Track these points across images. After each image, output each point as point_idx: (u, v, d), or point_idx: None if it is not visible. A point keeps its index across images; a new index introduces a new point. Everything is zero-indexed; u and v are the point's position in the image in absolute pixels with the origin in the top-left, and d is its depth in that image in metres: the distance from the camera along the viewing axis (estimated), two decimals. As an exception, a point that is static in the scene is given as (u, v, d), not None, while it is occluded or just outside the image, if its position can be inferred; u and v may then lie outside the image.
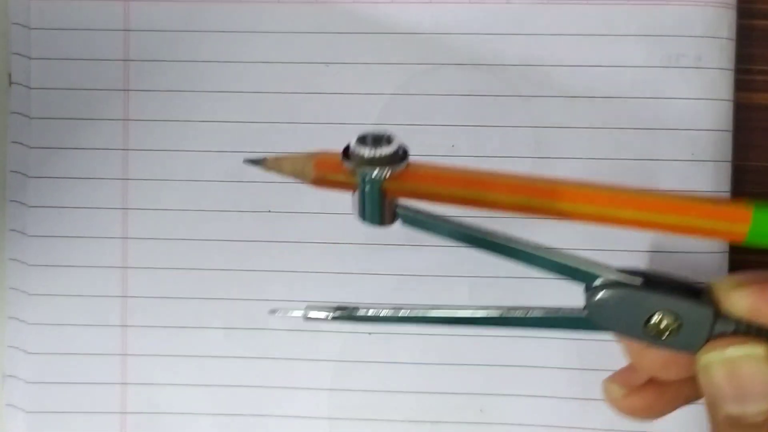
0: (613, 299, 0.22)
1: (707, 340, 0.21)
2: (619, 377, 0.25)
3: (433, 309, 0.26)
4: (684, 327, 0.21)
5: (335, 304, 0.27)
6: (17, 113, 0.33)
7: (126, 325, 0.33)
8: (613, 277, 0.22)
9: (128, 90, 0.33)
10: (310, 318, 0.27)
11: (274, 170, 0.25)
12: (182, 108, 0.33)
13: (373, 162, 0.23)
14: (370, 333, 0.33)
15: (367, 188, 0.23)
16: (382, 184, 0.23)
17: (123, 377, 0.33)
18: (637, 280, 0.22)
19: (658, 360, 0.23)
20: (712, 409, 0.20)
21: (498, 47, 0.32)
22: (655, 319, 0.21)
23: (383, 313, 0.26)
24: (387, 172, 0.23)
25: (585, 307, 0.23)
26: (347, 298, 0.33)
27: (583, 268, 0.23)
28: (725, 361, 0.20)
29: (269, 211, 0.33)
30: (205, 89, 0.33)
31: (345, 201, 0.33)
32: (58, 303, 0.33)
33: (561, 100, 0.32)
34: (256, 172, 0.33)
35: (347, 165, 0.23)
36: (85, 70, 0.33)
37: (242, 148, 0.33)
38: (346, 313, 0.26)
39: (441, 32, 0.32)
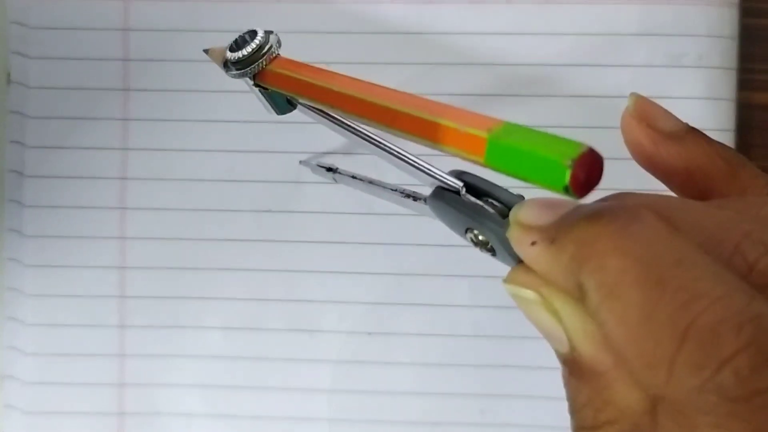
0: (436, 200, 0.21)
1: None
2: None
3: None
4: (495, 245, 0.19)
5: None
6: (15, 112, 0.33)
7: (124, 326, 0.33)
8: (440, 178, 0.21)
9: (127, 89, 0.33)
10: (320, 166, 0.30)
11: (210, 57, 0.27)
12: (182, 107, 0.33)
13: (235, 64, 0.25)
14: (369, 333, 0.33)
15: (246, 85, 0.25)
16: (252, 81, 0.25)
17: (121, 378, 0.33)
18: (458, 186, 0.20)
19: None
20: None
21: (498, 47, 0.32)
22: (473, 231, 0.20)
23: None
24: (247, 73, 0.25)
25: (427, 201, 0.22)
26: (347, 297, 0.32)
27: (425, 168, 0.22)
28: (510, 294, 0.18)
29: (269, 211, 0.33)
30: (205, 89, 0.33)
31: (344, 201, 0.33)
32: (55, 303, 0.33)
33: (561, 100, 0.32)
34: (256, 171, 0.33)
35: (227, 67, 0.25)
36: (85, 69, 0.33)
37: (242, 147, 0.33)
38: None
39: (441, 32, 0.32)
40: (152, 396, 0.33)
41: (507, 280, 0.18)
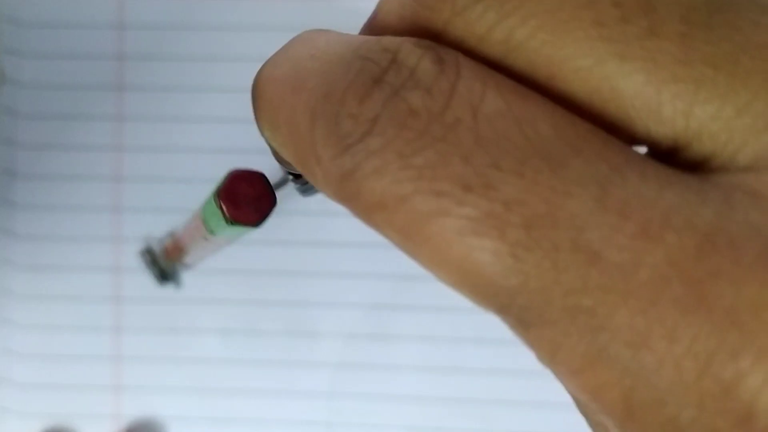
0: (303, 194, 0.21)
1: None
2: None
3: None
4: None
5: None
6: (7, 111, 0.33)
7: (119, 328, 0.33)
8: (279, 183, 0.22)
9: (123, 87, 0.32)
10: None
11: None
12: (178, 106, 0.32)
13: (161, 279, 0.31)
14: (370, 333, 0.32)
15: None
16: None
17: (116, 381, 0.33)
18: (287, 177, 0.20)
19: None
20: None
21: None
22: None
23: None
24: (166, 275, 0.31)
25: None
26: (347, 299, 0.32)
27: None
28: None
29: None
30: (202, 86, 0.32)
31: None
32: (49, 305, 0.33)
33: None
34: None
35: None
36: (79, 66, 0.32)
37: (240, 147, 0.32)
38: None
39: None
40: (148, 400, 0.33)
41: None
